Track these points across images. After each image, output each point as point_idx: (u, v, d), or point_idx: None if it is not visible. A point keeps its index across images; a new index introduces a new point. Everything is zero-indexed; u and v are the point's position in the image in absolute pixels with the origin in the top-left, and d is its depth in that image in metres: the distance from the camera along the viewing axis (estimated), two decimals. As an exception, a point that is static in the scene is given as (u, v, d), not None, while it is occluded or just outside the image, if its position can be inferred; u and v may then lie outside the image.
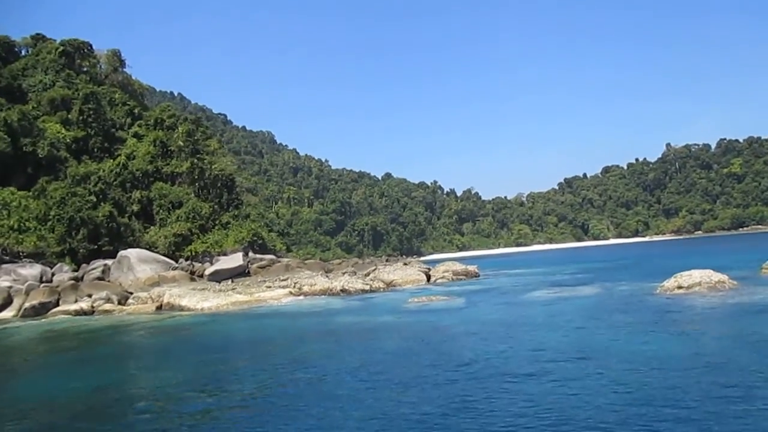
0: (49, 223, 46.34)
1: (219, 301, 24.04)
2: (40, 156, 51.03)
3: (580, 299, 21.40)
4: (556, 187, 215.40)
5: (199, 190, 59.19)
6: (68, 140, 55.84)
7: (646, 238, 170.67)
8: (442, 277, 36.50)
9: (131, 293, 33.28)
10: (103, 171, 53.74)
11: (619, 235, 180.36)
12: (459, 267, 38.23)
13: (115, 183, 54.17)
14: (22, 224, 43.22)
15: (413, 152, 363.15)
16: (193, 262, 43.79)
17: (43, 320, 28.19)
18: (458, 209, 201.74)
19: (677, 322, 14.78)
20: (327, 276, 32.81)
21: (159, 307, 25.10)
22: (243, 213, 62.26)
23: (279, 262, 51.33)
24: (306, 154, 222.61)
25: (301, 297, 25.45)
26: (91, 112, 58.97)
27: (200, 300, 24.22)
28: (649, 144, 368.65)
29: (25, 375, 15.41)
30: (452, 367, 11.51)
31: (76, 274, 39.92)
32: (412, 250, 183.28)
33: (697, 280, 19.03)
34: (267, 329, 19.88)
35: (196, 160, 59.04)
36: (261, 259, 53.13)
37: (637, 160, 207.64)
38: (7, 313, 32.62)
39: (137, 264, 37.39)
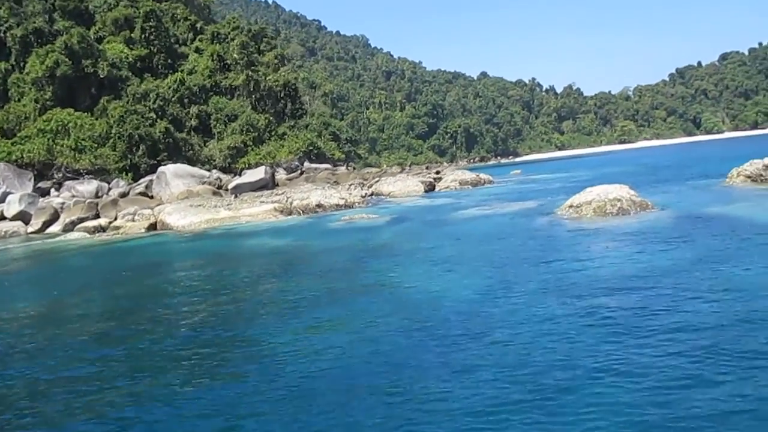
0: (111, 140, 49.46)
1: (194, 219, 24.91)
2: (101, 76, 53.67)
3: (489, 218, 19.88)
4: (666, 79, 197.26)
5: (256, 102, 60.30)
6: (131, 59, 58.04)
7: (767, 131, 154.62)
8: (447, 187, 35.66)
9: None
10: (162, 88, 55.86)
11: (735, 128, 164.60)
12: (468, 176, 37.18)
13: (173, 99, 56.29)
14: (78, 143, 46.37)
15: (511, 50, 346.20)
16: (221, 177, 45.42)
17: (54, 238, 30.08)
18: (557, 107, 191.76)
19: (490, 257, 13.34)
20: (332, 188, 32.90)
21: (154, 225, 26.50)
22: (301, 123, 62.92)
23: (322, 170, 52.13)
24: (399, 57, 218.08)
25: (281, 214, 25.73)
26: (153, 30, 60.53)
27: (181, 218, 25.27)
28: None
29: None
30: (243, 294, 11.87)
31: (124, 189, 42.73)
32: (507, 152, 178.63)
33: (589, 198, 15.97)
34: (177, 253, 20.76)
35: (250, 72, 59.84)
36: (316, 169, 54.45)
37: (760, 44, 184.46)
38: (55, 228, 35.64)
39: (172, 179, 39.33)
